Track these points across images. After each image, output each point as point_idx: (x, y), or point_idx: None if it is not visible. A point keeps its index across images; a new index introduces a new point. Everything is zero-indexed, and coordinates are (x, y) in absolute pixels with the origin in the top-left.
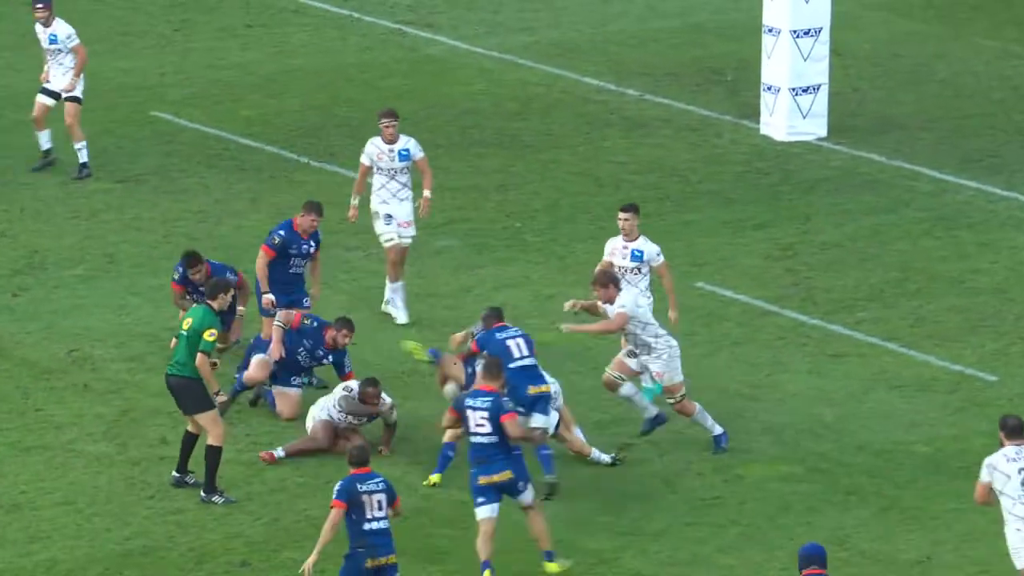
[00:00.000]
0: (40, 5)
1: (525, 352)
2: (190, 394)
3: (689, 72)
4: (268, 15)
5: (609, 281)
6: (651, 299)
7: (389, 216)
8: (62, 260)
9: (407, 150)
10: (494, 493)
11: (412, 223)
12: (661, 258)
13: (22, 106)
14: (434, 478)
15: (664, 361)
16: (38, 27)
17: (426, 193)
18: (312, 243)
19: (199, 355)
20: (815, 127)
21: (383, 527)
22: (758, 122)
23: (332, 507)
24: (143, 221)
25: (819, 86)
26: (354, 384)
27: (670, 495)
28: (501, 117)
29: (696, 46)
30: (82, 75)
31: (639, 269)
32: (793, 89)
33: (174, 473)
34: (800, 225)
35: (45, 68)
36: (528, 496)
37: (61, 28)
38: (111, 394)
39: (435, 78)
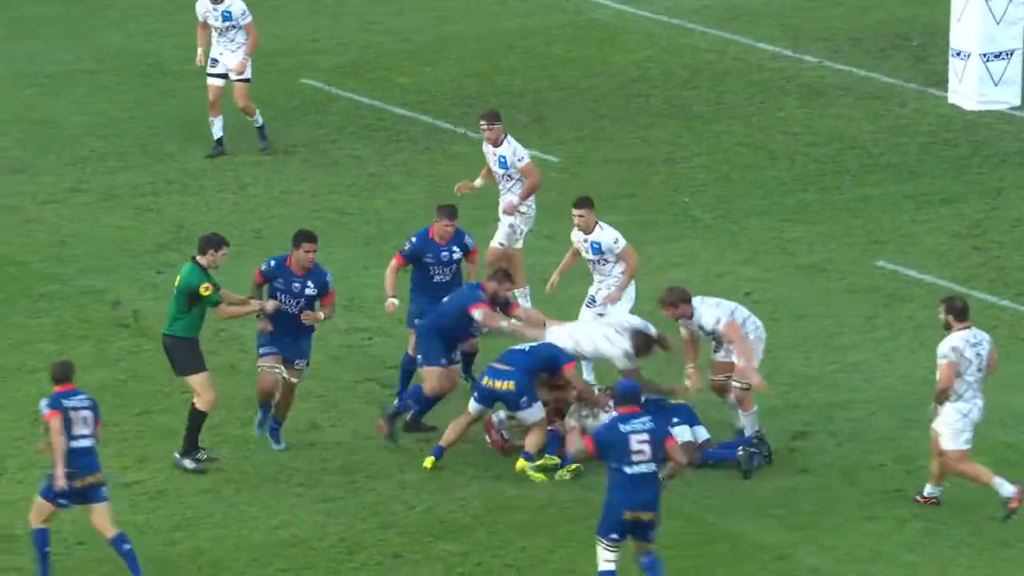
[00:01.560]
0: None
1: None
2: (180, 354)
3: (872, 37)
4: None
5: (678, 300)
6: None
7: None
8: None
9: (504, 156)
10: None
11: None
12: (620, 244)
13: (168, 74)
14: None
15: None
16: (206, 4)
17: (512, 199)
18: (455, 249)
19: (219, 308)
20: (1008, 95)
21: (88, 446)
22: (945, 90)
23: (47, 418)
24: (292, 195)
25: (1012, 51)
26: None
27: (848, 487)
28: (669, 86)
29: (880, 9)
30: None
31: (604, 259)
32: (984, 55)
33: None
34: (990, 200)
35: (199, 51)
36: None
37: (236, 4)
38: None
39: (600, 45)
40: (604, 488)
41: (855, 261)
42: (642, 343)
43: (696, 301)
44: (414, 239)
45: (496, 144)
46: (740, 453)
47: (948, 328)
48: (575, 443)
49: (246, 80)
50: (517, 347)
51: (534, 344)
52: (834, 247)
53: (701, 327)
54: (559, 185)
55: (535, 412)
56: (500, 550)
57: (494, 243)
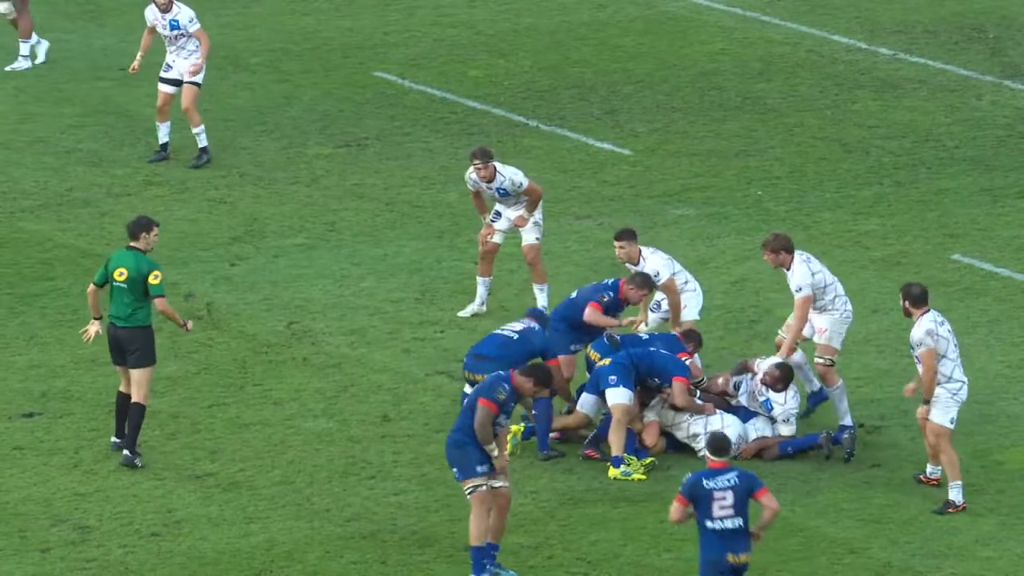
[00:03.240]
0: None
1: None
2: (135, 345)
3: (947, 29)
4: None
5: (781, 248)
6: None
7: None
8: (282, 228)
9: (504, 188)
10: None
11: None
12: (662, 278)
13: (242, 68)
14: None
15: (834, 320)
16: (155, 12)
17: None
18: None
19: (160, 300)
20: None
21: None
22: (1022, 83)
23: None
24: (365, 187)
25: None
26: None
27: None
28: (743, 78)
29: (955, 1)
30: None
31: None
32: None
33: (114, 439)
34: None
35: (138, 56)
36: None
37: (184, 12)
38: (331, 368)
39: (673, 37)
40: (676, 481)
41: (930, 255)
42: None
43: (800, 256)
44: (611, 293)
45: (490, 181)
46: (823, 436)
47: (909, 315)
48: (650, 437)
49: (197, 84)
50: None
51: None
52: (909, 240)
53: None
54: (631, 178)
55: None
56: (572, 544)
57: (529, 242)
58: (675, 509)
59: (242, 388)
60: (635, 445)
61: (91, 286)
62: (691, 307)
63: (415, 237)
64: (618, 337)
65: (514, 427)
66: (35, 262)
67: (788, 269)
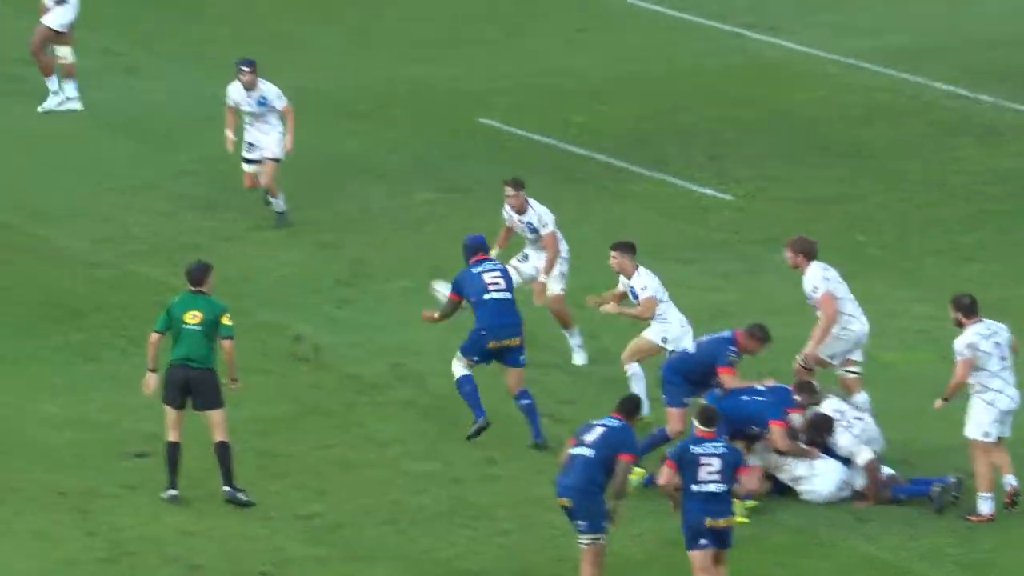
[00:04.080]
0: (246, 68)
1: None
2: (210, 387)
3: None
4: (601, 19)
5: (801, 250)
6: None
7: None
8: (387, 271)
9: (531, 222)
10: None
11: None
12: (646, 294)
13: (351, 114)
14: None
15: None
16: (240, 91)
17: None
18: None
19: (230, 342)
20: None
21: None
22: None
23: None
24: (470, 231)
25: None
26: None
27: None
28: (845, 125)
29: None
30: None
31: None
32: None
33: (172, 492)
34: None
35: (229, 135)
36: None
37: (270, 89)
38: (435, 410)
39: (777, 84)
40: (779, 525)
41: None
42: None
43: (817, 265)
44: (734, 349)
45: (520, 212)
46: (935, 489)
47: (960, 326)
48: (752, 481)
49: (277, 160)
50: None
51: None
52: (1011, 286)
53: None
54: (734, 223)
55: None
56: None
57: (555, 292)
58: (664, 474)
59: (347, 429)
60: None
61: (154, 335)
62: (655, 332)
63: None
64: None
65: (636, 471)
66: (147, 305)
67: (804, 273)
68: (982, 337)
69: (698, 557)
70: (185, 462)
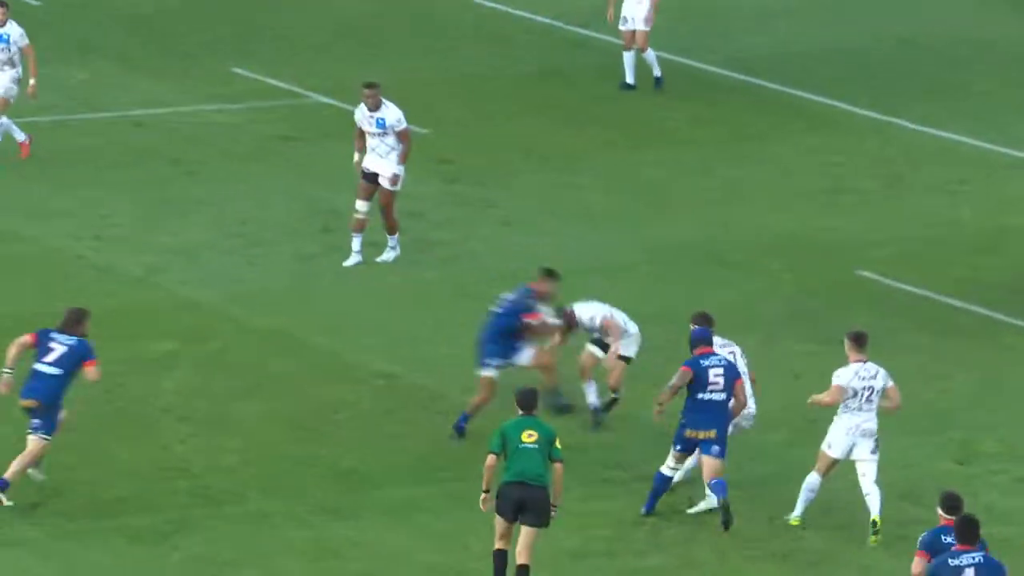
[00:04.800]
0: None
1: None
2: (545, 506)
3: None
4: (982, 170)
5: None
6: None
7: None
8: (765, 422)
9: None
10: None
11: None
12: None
13: (725, 264)
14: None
15: None
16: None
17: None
18: None
19: (559, 464)
20: None
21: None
22: None
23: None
24: None
25: None
26: None
27: None
28: None
29: None
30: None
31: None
32: None
33: None
34: None
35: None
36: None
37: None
38: (811, 566)
39: None
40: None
41: None
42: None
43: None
44: None
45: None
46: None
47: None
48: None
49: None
50: None
51: None
52: None
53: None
54: None
55: None
56: None
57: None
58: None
59: None
60: None
61: (491, 456)
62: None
63: (895, 433)
64: None
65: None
66: None
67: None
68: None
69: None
70: None
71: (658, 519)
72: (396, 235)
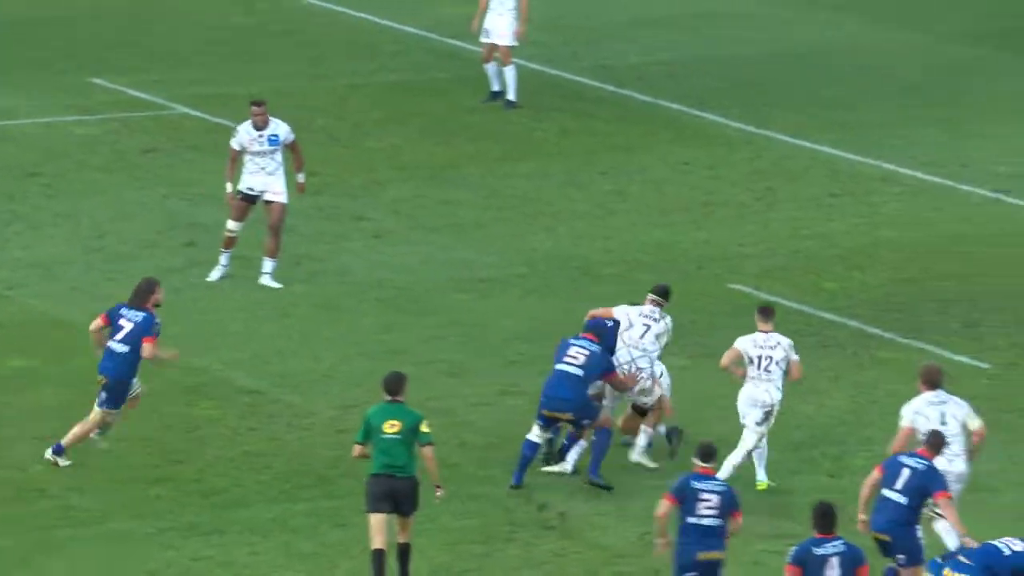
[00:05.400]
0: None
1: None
2: (414, 494)
3: None
4: (855, 183)
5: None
6: None
7: None
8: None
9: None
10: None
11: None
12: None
13: (595, 277)
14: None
15: None
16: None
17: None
18: None
19: (429, 448)
20: None
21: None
22: None
23: None
24: (718, 399)
25: None
26: None
27: None
28: None
29: None
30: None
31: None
32: None
33: None
34: None
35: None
36: None
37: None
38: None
39: None
40: None
41: None
42: None
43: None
44: None
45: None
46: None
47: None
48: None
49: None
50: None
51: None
52: None
53: None
54: (990, 392)
55: None
56: None
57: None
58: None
59: None
60: None
61: (357, 447)
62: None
63: (773, 448)
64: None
65: None
66: None
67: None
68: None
69: None
70: None
71: (529, 536)
72: (277, 258)
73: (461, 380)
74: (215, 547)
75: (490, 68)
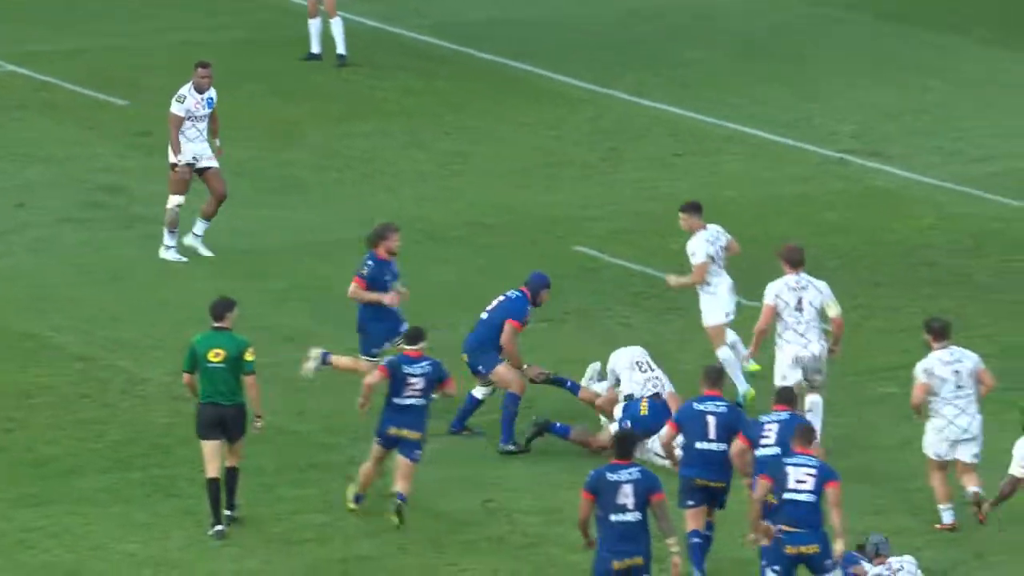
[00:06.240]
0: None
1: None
2: (242, 420)
3: None
4: (699, 143)
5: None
6: None
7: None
8: (483, 407)
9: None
10: (792, 564)
11: None
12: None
13: (442, 240)
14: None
15: None
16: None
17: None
18: None
19: (252, 377)
20: None
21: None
22: None
23: None
24: (567, 363)
25: None
26: None
27: None
28: (953, 254)
29: None
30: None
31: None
32: None
33: (220, 528)
34: None
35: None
36: None
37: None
38: (526, 549)
39: (880, 212)
40: None
41: None
42: None
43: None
44: None
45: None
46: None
47: (928, 348)
48: None
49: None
50: None
51: None
52: None
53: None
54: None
55: None
56: None
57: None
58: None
59: (436, 570)
60: None
61: (186, 375)
62: (713, 315)
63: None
64: None
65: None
66: None
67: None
68: (941, 363)
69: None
70: None
71: (371, 505)
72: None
73: (302, 345)
74: (47, 517)
75: (314, 26)
